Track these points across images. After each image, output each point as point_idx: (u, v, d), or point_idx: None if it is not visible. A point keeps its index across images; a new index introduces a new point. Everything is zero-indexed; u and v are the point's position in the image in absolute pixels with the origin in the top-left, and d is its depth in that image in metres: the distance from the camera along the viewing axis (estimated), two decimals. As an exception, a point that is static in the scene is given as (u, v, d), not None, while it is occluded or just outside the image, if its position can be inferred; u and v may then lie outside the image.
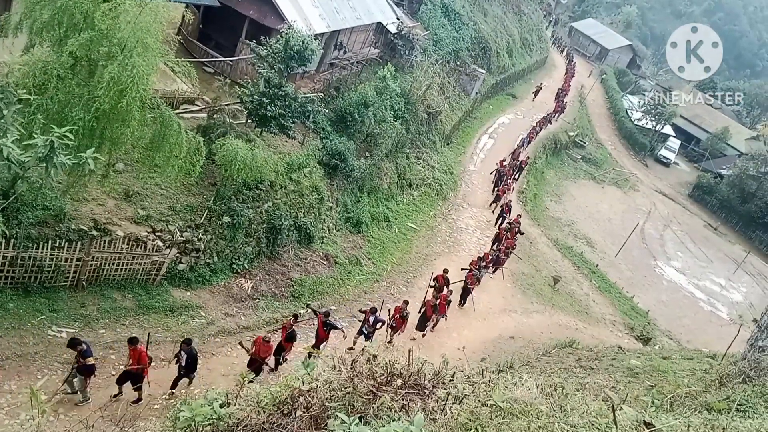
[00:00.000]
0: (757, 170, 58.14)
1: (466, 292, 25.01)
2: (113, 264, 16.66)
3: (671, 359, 19.05)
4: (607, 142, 60.89)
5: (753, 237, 56.90)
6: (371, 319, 18.57)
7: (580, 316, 30.20)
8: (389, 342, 19.86)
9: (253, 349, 15.79)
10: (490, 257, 27.26)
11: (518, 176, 40.45)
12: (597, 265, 36.94)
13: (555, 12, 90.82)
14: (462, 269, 25.37)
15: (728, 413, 6.61)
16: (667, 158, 65.75)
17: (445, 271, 23.83)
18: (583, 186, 50.08)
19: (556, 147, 50.81)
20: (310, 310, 19.16)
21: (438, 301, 21.57)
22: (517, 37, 58.99)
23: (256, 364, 15.76)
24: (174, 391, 14.87)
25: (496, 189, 36.64)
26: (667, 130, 67.54)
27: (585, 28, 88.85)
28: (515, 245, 29.95)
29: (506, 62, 54.07)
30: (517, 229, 31.01)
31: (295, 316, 17.15)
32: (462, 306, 25.02)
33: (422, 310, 21.61)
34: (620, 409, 4.42)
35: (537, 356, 21.73)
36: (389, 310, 20.28)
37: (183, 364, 14.51)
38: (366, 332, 18.92)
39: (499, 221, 33.12)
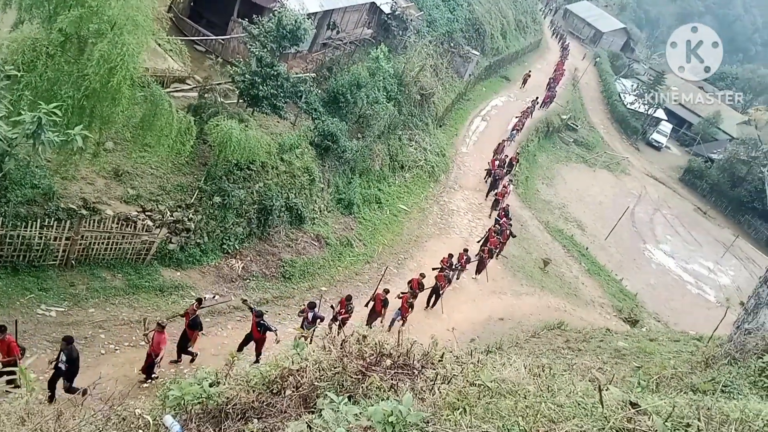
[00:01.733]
0: (748, 155, 58.45)
1: (435, 293, 22.84)
2: (103, 243, 16.61)
3: (658, 341, 19.28)
4: (599, 126, 60.94)
5: (742, 221, 57.34)
6: (310, 315, 16.88)
7: (569, 298, 30.43)
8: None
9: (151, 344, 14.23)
10: (464, 257, 24.95)
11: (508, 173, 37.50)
12: (587, 248, 37.16)
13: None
14: (433, 269, 23.02)
15: (713, 394, 6.71)
16: (659, 142, 65.93)
17: (422, 275, 21.56)
18: (575, 169, 50.18)
19: (548, 130, 50.79)
20: (246, 306, 17.20)
21: (408, 299, 20.01)
22: (512, 18, 58.64)
23: (149, 361, 14.34)
24: (52, 393, 12.79)
25: (492, 192, 34.54)
26: (659, 114, 67.62)
27: (580, 11, 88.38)
28: (500, 245, 28.60)
29: (500, 44, 53.79)
30: (508, 232, 29.48)
31: (199, 301, 15.47)
32: (429, 308, 22.92)
33: (369, 303, 19.77)
34: (607, 390, 4.47)
35: (526, 337, 21.93)
36: (332, 306, 18.66)
37: (62, 367, 12.54)
38: (306, 329, 17.08)
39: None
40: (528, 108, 46.80)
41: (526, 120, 45.28)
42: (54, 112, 11.21)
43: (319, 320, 17.08)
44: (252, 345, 16.29)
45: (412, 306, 20.37)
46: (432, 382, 5.15)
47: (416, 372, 5.42)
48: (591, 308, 30.72)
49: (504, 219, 30.21)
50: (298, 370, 5.38)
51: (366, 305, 19.69)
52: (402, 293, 20.26)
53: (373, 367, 5.30)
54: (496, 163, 36.15)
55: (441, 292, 22.93)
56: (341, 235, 24.81)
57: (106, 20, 12.96)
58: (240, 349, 15.96)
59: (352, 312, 18.23)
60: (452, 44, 43.76)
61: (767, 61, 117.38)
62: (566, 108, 55.80)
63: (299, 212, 22.84)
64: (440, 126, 38.67)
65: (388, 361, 5.43)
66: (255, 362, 15.34)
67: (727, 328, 17.46)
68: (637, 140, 63.76)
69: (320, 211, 24.57)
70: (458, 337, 20.69)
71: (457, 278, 25.35)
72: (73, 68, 13.18)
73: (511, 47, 56.71)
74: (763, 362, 6.82)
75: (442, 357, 5.68)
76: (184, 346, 15.49)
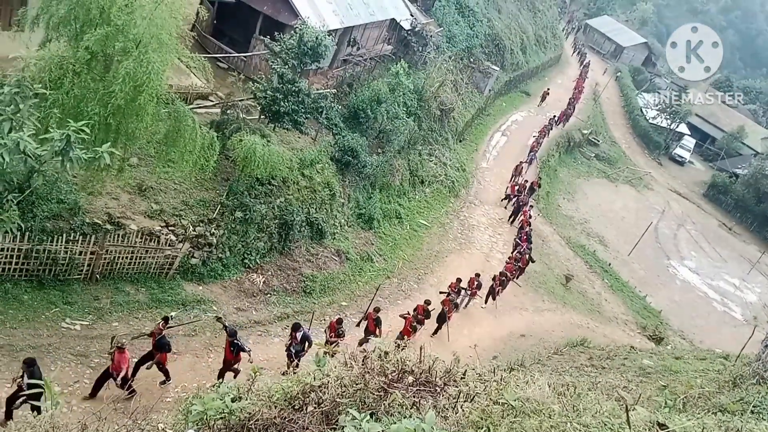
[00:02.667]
0: (773, 170, 57.51)
1: (441, 319, 21.70)
2: (127, 257, 16.80)
3: (684, 359, 18.92)
4: (621, 141, 60.46)
5: (768, 237, 56.31)
6: (298, 335, 16.03)
7: (591, 314, 30.06)
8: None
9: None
10: (475, 282, 24.06)
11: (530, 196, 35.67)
12: (609, 264, 36.73)
13: (569, 9, 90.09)
14: (440, 292, 22.44)
15: (742, 415, 6.56)
16: (682, 157, 65.17)
17: (427, 302, 20.47)
18: (597, 184, 49.77)
19: (569, 145, 50.51)
20: (221, 324, 15.88)
21: (412, 322, 19.38)
22: (531, 34, 58.64)
23: (104, 381, 13.52)
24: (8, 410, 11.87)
25: (514, 218, 33.53)
26: (682, 128, 66.91)
27: (600, 26, 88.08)
28: (518, 271, 27.30)
29: (520, 59, 53.78)
30: (528, 256, 28.40)
31: (166, 319, 14.43)
32: (433, 336, 21.77)
33: (361, 323, 19.35)
34: (633, 410, 4.39)
35: (548, 355, 21.67)
36: (327, 326, 18.16)
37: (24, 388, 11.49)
38: (294, 351, 16.30)
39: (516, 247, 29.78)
40: (545, 126, 45.81)
41: (543, 139, 44.24)
42: (82, 130, 11.41)
43: (308, 342, 15.96)
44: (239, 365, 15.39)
45: (415, 329, 19.52)
46: (455, 400, 5.09)
47: (438, 389, 5.37)
48: (614, 325, 30.31)
49: (525, 244, 29.16)
50: (319, 386, 5.35)
51: (357, 325, 19.29)
52: (407, 314, 19.71)
53: (395, 384, 5.26)
54: (516, 187, 34.94)
55: (447, 318, 21.52)
56: (361, 250, 24.83)
57: (132, 39, 13.20)
58: (221, 375, 15.14)
59: (343, 335, 17.33)
60: (472, 59, 43.85)
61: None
62: (587, 123, 55.50)
63: (320, 227, 22.91)
64: (460, 141, 38.67)
65: (410, 378, 5.38)
66: (220, 374, 15.06)
67: (754, 346, 17.10)
68: (659, 155, 63.10)
69: (341, 226, 24.63)
70: (480, 353, 20.53)
71: (466, 306, 24.35)
72: (99, 86, 13.41)
73: (531, 62, 56.67)
74: (794, 382, 6.65)
75: (464, 374, 5.62)
76: (143, 364, 14.32)
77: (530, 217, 32.56)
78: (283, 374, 14.95)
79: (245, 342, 15.89)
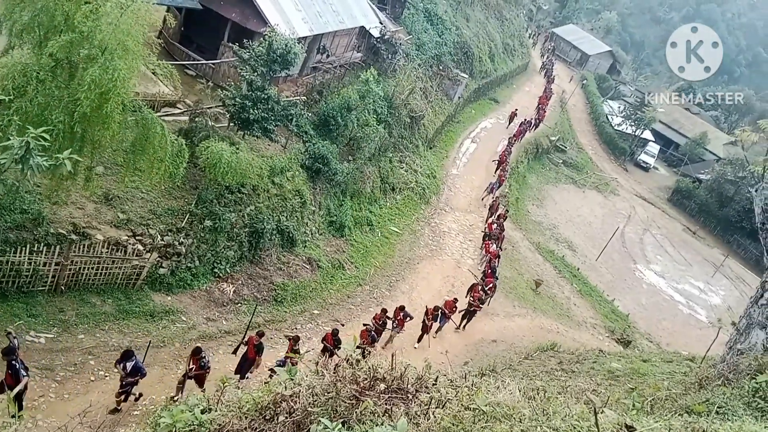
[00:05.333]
0: (735, 175, 58.94)
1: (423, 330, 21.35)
2: (92, 268, 16.49)
3: (651, 362, 19.24)
4: (587, 147, 61.46)
5: (731, 241, 57.69)
6: (129, 365, 13.55)
7: (561, 319, 30.40)
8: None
9: None
10: (453, 306, 22.76)
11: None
12: (578, 269, 37.23)
13: (536, 18, 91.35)
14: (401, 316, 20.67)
15: (708, 416, 6.69)
16: (647, 163, 66.53)
17: (383, 311, 20.04)
18: (565, 190, 50.47)
19: (537, 151, 51.15)
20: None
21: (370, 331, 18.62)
22: (499, 42, 59.37)
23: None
24: None
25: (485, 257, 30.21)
26: (647, 135, 68.34)
27: (566, 34, 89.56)
28: (483, 296, 24.95)
29: (488, 67, 54.38)
30: (493, 285, 26.17)
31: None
32: (383, 347, 20.67)
33: (239, 349, 16.77)
34: (602, 412, 4.46)
35: (519, 359, 21.84)
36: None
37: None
38: (125, 383, 13.94)
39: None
40: (505, 151, 42.04)
41: (507, 164, 40.94)
42: (42, 137, 11.15)
43: (140, 375, 13.80)
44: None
45: (374, 339, 19.06)
46: (426, 407, 5.10)
47: (410, 396, 5.37)
48: (583, 329, 30.69)
49: (489, 279, 26.34)
50: (291, 396, 5.31)
51: (234, 352, 16.55)
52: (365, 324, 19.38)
53: (367, 392, 5.25)
54: (493, 226, 31.94)
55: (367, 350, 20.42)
56: (333, 258, 24.76)
57: (97, 45, 13.00)
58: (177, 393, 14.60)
59: (339, 344, 16.83)
60: (441, 67, 44.19)
61: (752, 82, 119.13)
62: (555, 129, 56.30)
63: (291, 235, 22.79)
64: (430, 148, 38.88)
65: (382, 386, 5.38)
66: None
67: (719, 348, 17.48)
68: (625, 161, 64.31)
69: (312, 234, 24.54)
70: (451, 359, 20.61)
71: (438, 330, 22.96)
72: (63, 93, 13.18)
73: (499, 70, 57.32)
74: (757, 383, 6.82)
75: (436, 380, 5.64)
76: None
77: (498, 248, 30.28)
78: (111, 412, 13.84)
79: (209, 355, 15.56)
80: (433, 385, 5.58)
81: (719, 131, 79.66)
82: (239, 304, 19.95)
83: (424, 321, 21.74)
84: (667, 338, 34.40)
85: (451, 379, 5.92)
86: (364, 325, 19.44)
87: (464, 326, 24.50)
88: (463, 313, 24.06)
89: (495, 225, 31.86)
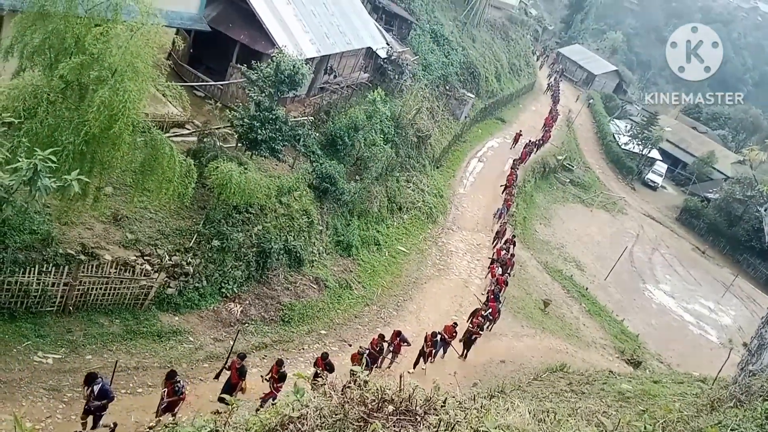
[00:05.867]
0: (743, 194, 58.72)
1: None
2: (101, 288, 16.51)
3: (662, 383, 19.02)
4: (594, 166, 61.43)
5: (740, 260, 57.26)
6: (96, 388, 12.93)
7: (570, 339, 30.15)
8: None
9: None
10: (453, 331, 22.19)
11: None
12: (587, 289, 37.01)
13: (542, 38, 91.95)
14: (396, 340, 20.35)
15: (720, 438, 6.60)
16: (655, 182, 66.39)
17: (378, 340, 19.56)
18: (572, 209, 50.35)
19: (544, 171, 51.15)
20: None
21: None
22: (505, 62, 59.73)
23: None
24: None
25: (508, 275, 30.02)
26: (654, 154, 68.28)
27: (572, 54, 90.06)
28: (482, 322, 24.19)
29: (495, 87, 54.65)
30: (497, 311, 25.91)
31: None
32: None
33: (221, 373, 16.21)
34: (613, 436, 4.39)
35: (528, 380, 21.64)
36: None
37: None
38: (92, 407, 13.16)
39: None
40: (510, 179, 41.39)
41: (518, 172, 42.29)
42: (50, 158, 11.25)
43: (108, 398, 13.06)
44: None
45: (368, 364, 17.93)
46: (435, 429, 5.05)
47: (419, 418, 5.32)
48: (593, 350, 30.42)
49: (492, 304, 25.80)
50: (298, 418, 5.28)
51: (216, 377, 16.03)
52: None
53: (375, 414, 5.20)
54: (501, 251, 31.84)
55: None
56: (340, 278, 24.71)
57: (107, 67, 13.15)
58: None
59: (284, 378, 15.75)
60: (447, 87, 44.45)
61: (759, 101, 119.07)
62: (561, 149, 56.35)
63: (298, 255, 22.79)
64: (437, 167, 38.97)
65: (390, 407, 5.33)
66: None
67: (731, 369, 17.28)
68: (632, 180, 64.19)
69: (319, 254, 24.53)
70: (460, 381, 20.46)
71: (435, 356, 21.98)
72: (73, 114, 13.30)
73: (505, 90, 57.60)
74: (770, 404, 6.73)
75: (444, 402, 5.58)
76: None
77: (508, 275, 30.03)
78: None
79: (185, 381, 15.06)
80: (442, 407, 5.52)
81: (727, 150, 79.53)
82: (246, 325, 19.90)
83: (422, 347, 21.22)
84: (677, 359, 34.03)
85: (459, 401, 5.87)
86: (360, 347, 18.82)
87: (465, 355, 23.59)
88: (463, 340, 23.26)
89: (504, 251, 31.66)
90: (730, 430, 6.57)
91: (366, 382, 5.62)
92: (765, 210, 57.02)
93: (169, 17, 21.52)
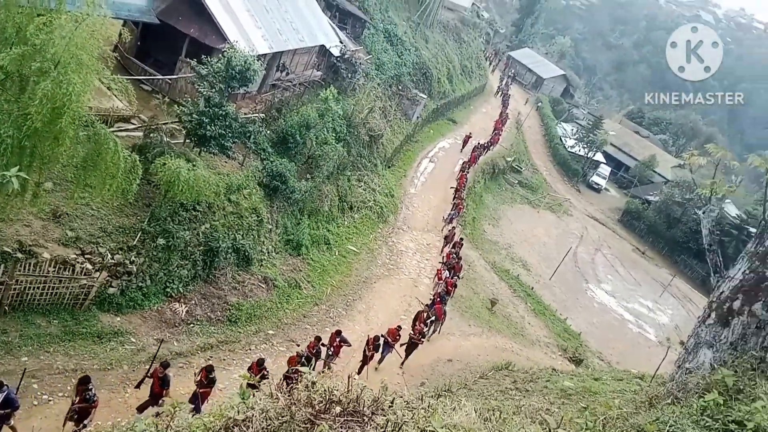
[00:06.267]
0: (682, 197, 60.97)
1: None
2: (38, 288, 15.92)
3: (602, 380, 19.56)
4: (542, 168, 62.77)
5: (678, 261, 59.51)
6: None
7: (516, 338, 30.71)
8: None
9: None
10: (397, 334, 21.40)
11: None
12: (532, 288, 37.77)
13: (493, 41, 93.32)
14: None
15: (657, 434, 6.82)
16: (598, 184, 68.32)
17: (318, 338, 18.98)
18: (520, 210, 51.31)
19: (494, 172, 51.96)
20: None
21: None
22: (458, 63, 60.39)
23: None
24: None
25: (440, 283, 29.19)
26: (599, 157, 70.23)
27: (522, 58, 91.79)
28: (423, 329, 23.27)
29: (447, 88, 55.19)
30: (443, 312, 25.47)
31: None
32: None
33: (142, 383, 15.24)
34: (555, 434, 4.50)
35: (474, 379, 21.93)
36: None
37: None
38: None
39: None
40: (462, 170, 42.67)
41: (468, 175, 42.45)
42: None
43: (12, 407, 12.37)
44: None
45: (303, 364, 16.40)
46: (383, 430, 5.07)
47: (366, 419, 5.33)
48: (537, 348, 31.06)
49: (438, 306, 25.37)
50: (243, 420, 5.21)
51: (138, 386, 15.14)
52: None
53: (323, 415, 5.18)
54: (450, 255, 31.42)
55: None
56: (289, 277, 24.52)
57: (50, 59, 12.68)
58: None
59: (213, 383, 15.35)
60: (400, 87, 44.65)
61: (698, 106, 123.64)
62: (511, 150, 57.34)
63: (246, 254, 22.50)
64: (389, 167, 39.10)
65: (338, 408, 5.32)
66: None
67: (668, 366, 17.91)
68: (577, 182, 65.88)
69: (268, 253, 24.27)
70: (408, 380, 20.58)
71: (380, 361, 21.49)
72: (13, 107, 12.79)
73: (457, 91, 58.25)
74: (705, 401, 6.99)
75: (392, 402, 5.61)
76: None
77: (456, 277, 29.88)
78: None
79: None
80: (390, 407, 5.54)
81: (668, 154, 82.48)
82: (192, 325, 19.53)
83: (364, 351, 20.34)
84: (617, 357, 35.09)
85: (407, 400, 5.90)
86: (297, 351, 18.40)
87: (402, 363, 22.26)
88: (405, 345, 22.30)
89: (453, 255, 31.81)
90: (668, 426, 6.80)
91: (314, 383, 5.60)
92: (703, 212, 59.10)
93: (115, 8, 20.91)
